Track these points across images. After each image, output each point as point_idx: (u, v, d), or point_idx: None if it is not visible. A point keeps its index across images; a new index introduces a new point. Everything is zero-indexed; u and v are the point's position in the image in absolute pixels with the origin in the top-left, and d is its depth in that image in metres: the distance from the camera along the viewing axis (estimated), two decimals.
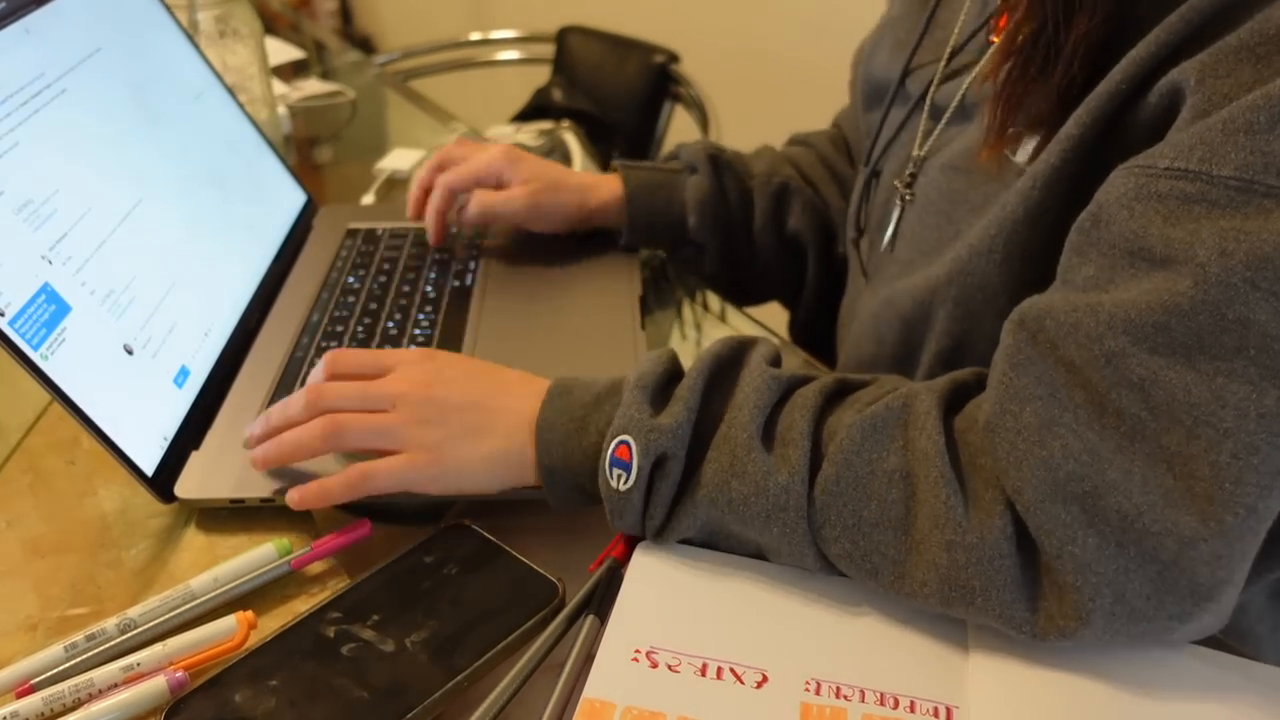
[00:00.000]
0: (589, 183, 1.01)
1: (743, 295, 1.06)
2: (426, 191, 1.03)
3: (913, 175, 0.81)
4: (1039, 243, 0.65)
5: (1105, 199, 0.58)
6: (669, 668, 0.59)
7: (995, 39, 0.71)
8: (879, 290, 0.84)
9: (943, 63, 0.81)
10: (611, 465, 0.65)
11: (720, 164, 1.02)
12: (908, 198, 0.82)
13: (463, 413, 0.70)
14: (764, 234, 1.02)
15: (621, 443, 0.64)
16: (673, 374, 0.68)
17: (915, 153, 0.81)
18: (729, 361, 0.68)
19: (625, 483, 0.64)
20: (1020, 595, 0.57)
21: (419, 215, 1.04)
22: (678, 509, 0.65)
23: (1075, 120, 0.63)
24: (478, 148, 1.02)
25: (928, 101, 0.81)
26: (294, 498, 0.71)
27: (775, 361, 0.68)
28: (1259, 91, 0.53)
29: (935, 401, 0.62)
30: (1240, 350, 0.52)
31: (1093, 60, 0.63)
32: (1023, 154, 0.69)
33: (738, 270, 1.04)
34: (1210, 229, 0.53)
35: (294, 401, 0.73)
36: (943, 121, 0.79)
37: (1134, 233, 0.56)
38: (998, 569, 0.57)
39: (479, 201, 0.99)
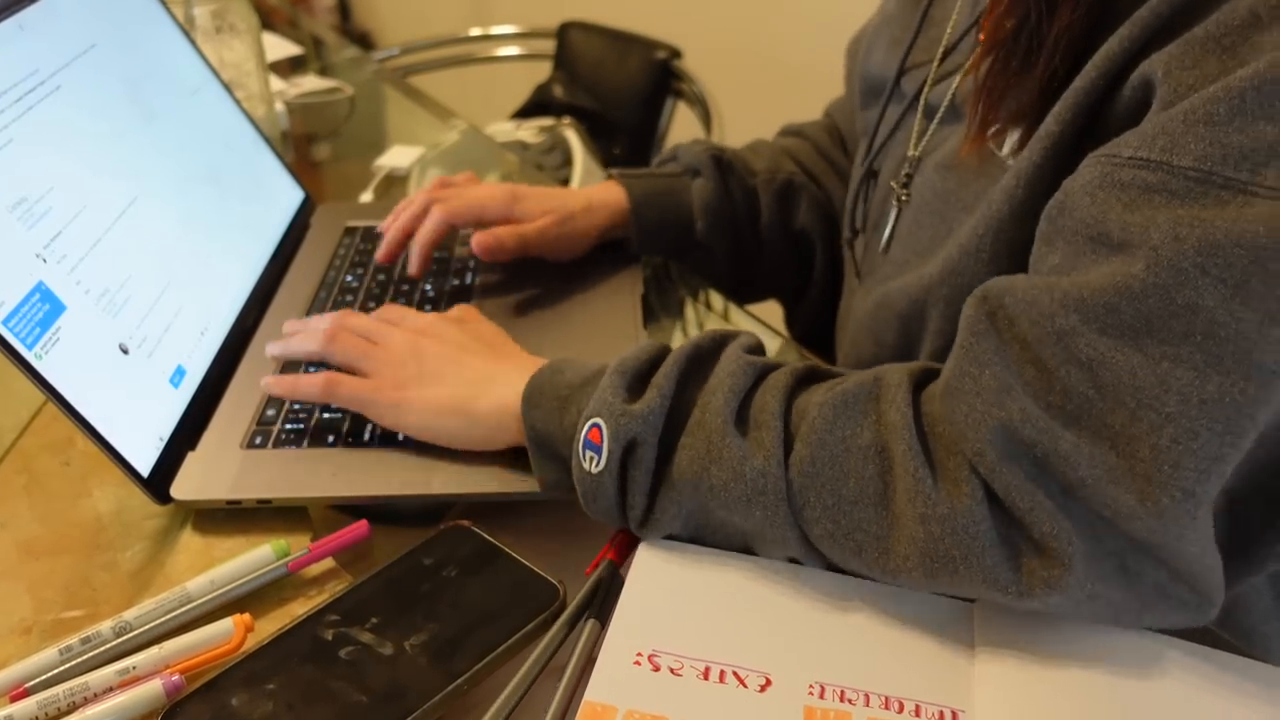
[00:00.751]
0: (593, 203, 0.99)
1: (749, 293, 1.06)
2: (407, 234, 0.97)
3: (909, 176, 0.82)
4: (1024, 239, 0.66)
5: (1071, 187, 0.60)
6: (671, 671, 0.59)
7: (983, 36, 0.72)
8: (873, 290, 0.85)
9: (935, 62, 0.81)
10: (584, 447, 0.66)
11: (723, 165, 1.02)
12: (904, 198, 0.83)
13: (440, 360, 0.77)
14: (771, 232, 1.02)
15: (594, 425, 0.65)
16: (657, 362, 0.68)
17: (910, 153, 0.82)
18: (708, 351, 0.68)
19: (596, 465, 0.65)
20: (1001, 557, 0.57)
21: (388, 260, 0.97)
22: (658, 497, 0.65)
23: (1054, 117, 0.64)
24: (469, 189, 0.99)
25: (921, 101, 0.82)
26: (267, 381, 0.80)
27: (754, 350, 0.69)
28: (1220, 83, 0.54)
29: (905, 376, 0.63)
30: (1187, 336, 0.53)
31: (1074, 54, 0.64)
32: (1008, 148, 0.70)
33: (745, 269, 1.04)
34: (1166, 216, 0.54)
35: (325, 316, 0.83)
36: (935, 121, 0.80)
37: (1094, 218, 0.57)
38: (974, 535, 0.57)
39: (510, 233, 0.94)
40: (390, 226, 0.98)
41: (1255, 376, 0.53)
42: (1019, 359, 0.57)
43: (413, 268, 0.95)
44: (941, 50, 0.81)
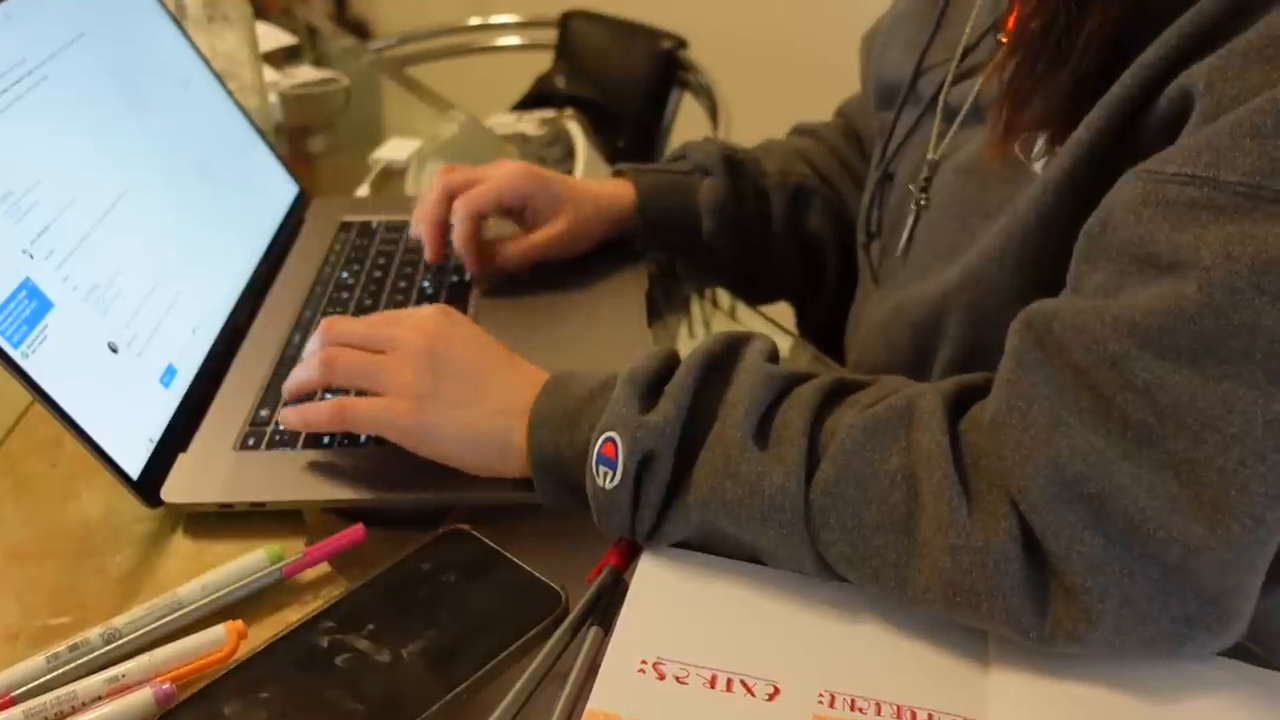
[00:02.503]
0: (603, 200, 0.99)
1: (755, 294, 1.06)
2: (441, 225, 0.96)
3: (927, 180, 0.82)
4: (1052, 249, 0.66)
5: (1113, 205, 0.60)
6: (677, 679, 0.59)
7: (1004, 39, 0.72)
8: (891, 295, 0.85)
9: (954, 62, 0.81)
10: (598, 462, 0.65)
11: (735, 164, 1.01)
12: (922, 202, 0.82)
13: (457, 376, 0.72)
14: (780, 235, 1.02)
15: (608, 439, 0.65)
16: (668, 370, 0.68)
17: (930, 156, 0.82)
18: (723, 357, 0.68)
19: (611, 480, 0.65)
20: (1027, 599, 0.57)
21: (439, 257, 0.97)
22: (669, 511, 0.65)
23: (1086, 125, 0.64)
24: (480, 169, 0.98)
25: (940, 103, 0.82)
26: (280, 415, 0.77)
27: (772, 358, 0.69)
28: (1266, 95, 0.54)
29: (940, 401, 0.62)
30: (1247, 355, 0.53)
31: (1104, 57, 0.64)
32: (1035, 154, 0.69)
33: (752, 271, 1.04)
34: (1216, 234, 0.54)
35: (313, 336, 0.78)
36: (956, 123, 0.79)
37: (1141, 238, 0.57)
38: (1004, 573, 0.57)
39: (520, 250, 0.96)
40: (422, 231, 0.97)
41: None
42: (1073, 386, 0.57)
43: (472, 267, 0.96)
44: (961, 50, 0.80)
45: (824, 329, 1.08)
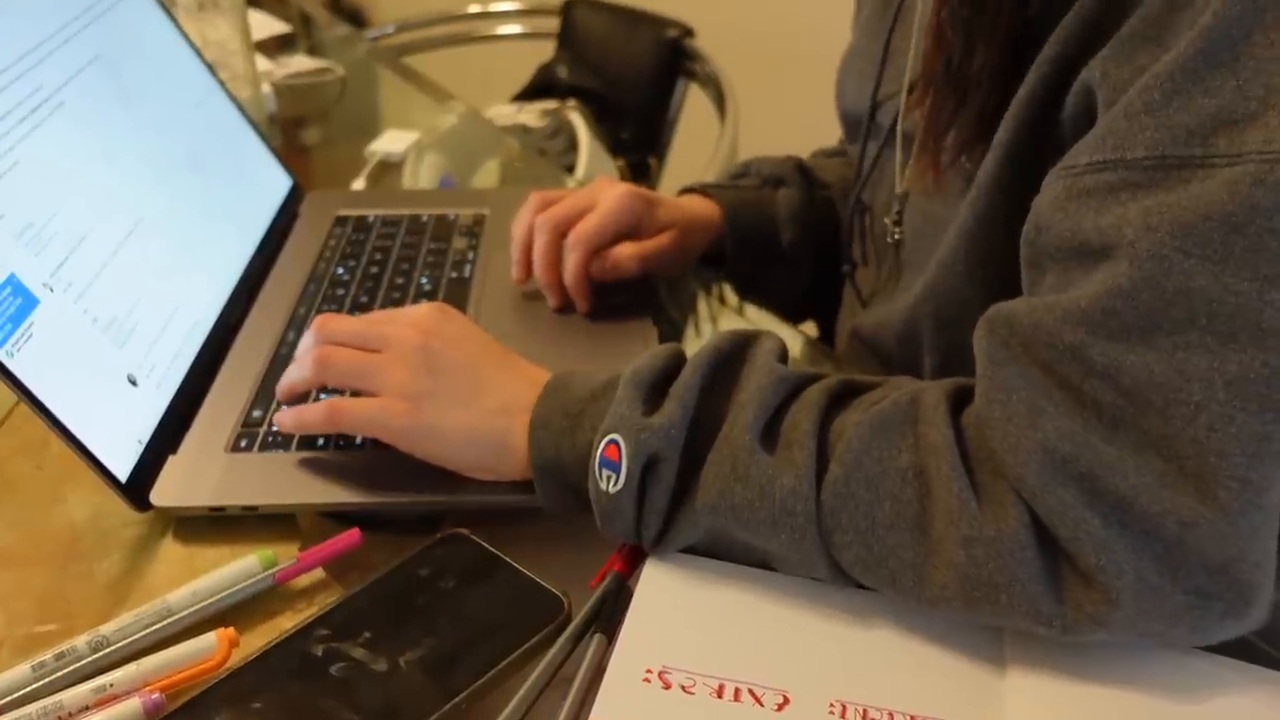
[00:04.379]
0: (697, 217, 0.99)
1: (826, 308, 1.08)
2: (552, 257, 0.92)
3: (899, 213, 0.87)
4: (997, 250, 0.69)
5: (1041, 206, 0.63)
6: (683, 689, 0.59)
7: (920, 77, 0.78)
8: (875, 311, 0.90)
9: (904, 94, 0.85)
10: (601, 466, 0.65)
11: (808, 174, 1.05)
12: (898, 236, 0.87)
13: (455, 374, 0.73)
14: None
15: (611, 442, 0.65)
16: (673, 370, 0.68)
17: (897, 190, 0.86)
18: (730, 357, 0.68)
19: (614, 484, 0.65)
20: (1045, 586, 0.58)
21: (525, 278, 0.94)
22: (677, 516, 0.65)
23: (1004, 127, 0.70)
24: (583, 194, 0.94)
25: (899, 134, 0.86)
26: (275, 417, 0.77)
27: (782, 357, 0.69)
28: (1150, 71, 0.58)
29: (943, 395, 0.63)
30: (1191, 321, 0.55)
31: (1004, 84, 0.70)
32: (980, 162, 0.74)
33: (827, 282, 1.05)
34: (1135, 209, 0.57)
35: (306, 334, 0.78)
36: (914, 153, 0.82)
37: (1071, 232, 0.60)
38: (1019, 561, 0.57)
39: (637, 254, 0.92)
40: (540, 279, 0.93)
41: (1274, 345, 0.54)
42: (1044, 381, 0.59)
43: (582, 307, 0.92)
44: (907, 82, 0.84)
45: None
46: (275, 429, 0.78)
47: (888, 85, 0.88)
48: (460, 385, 0.72)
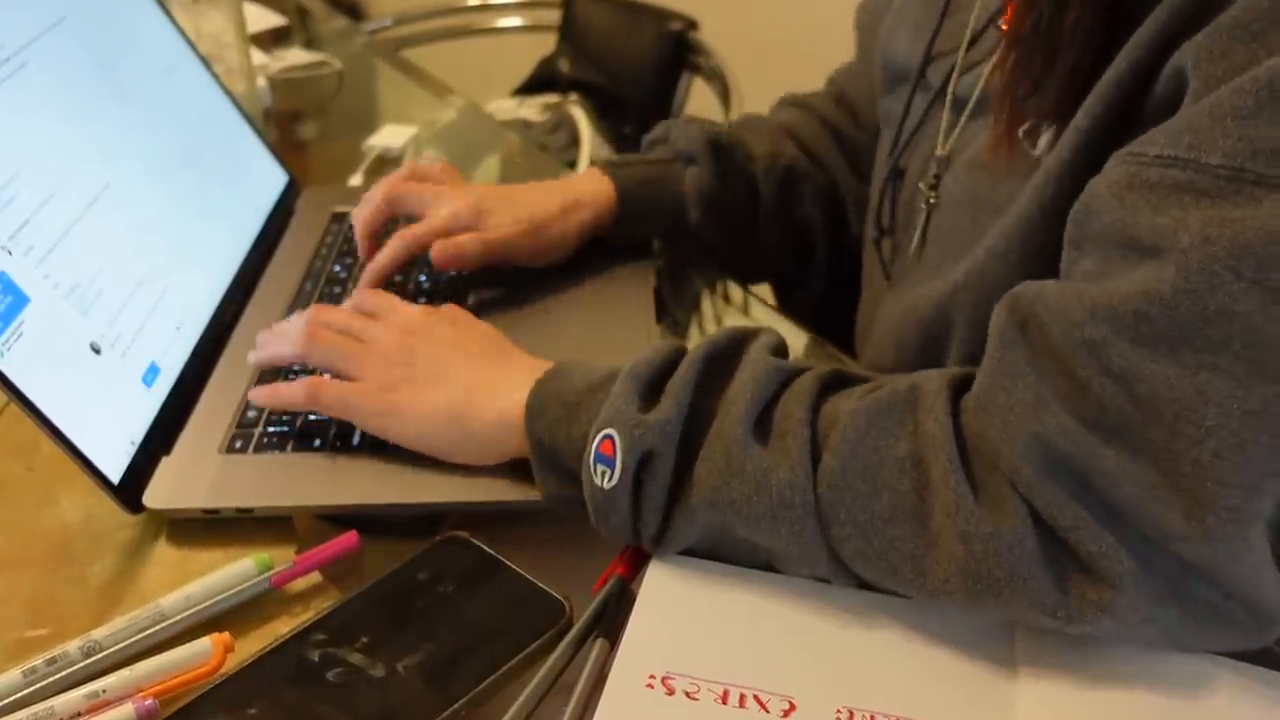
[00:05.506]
0: (570, 202, 0.96)
1: (740, 276, 1.06)
2: (374, 234, 0.95)
3: (937, 177, 0.83)
4: (1056, 242, 0.66)
5: (1097, 189, 0.61)
6: (687, 694, 0.59)
7: (1006, 27, 0.73)
8: (904, 294, 0.85)
9: (962, 51, 0.81)
10: (596, 460, 0.66)
11: (722, 151, 1.00)
12: (933, 200, 0.83)
13: (432, 360, 0.76)
14: (769, 222, 1.02)
15: (606, 437, 0.65)
16: (672, 365, 0.68)
17: (939, 152, 0.83)
18: (726, 352, 0.68)
19: (609, 480, 0.65)
20: (1048, 578, 0.58)
21: (370, 257, 0.94)
22: (674, 513, 0.65)
23: (1085, 111, 0.65)
24: (435, 188, 0.96)
25: (949, 94, 0.82)
26: (251, 392, 0.80)
27: (778, 352, 0.69)
28: (1248, 74, 0.55)
29: (945, 383, 0.63)
30: (1224, 344, 0.54)
31: (1097, 45, 0.65)
32: (1042, 148, 0.70)
33: (738, 255, 1.04)
34: (1196, 217, 0.55)
35: (298, 314, 0.82)
36: (964, 115, 0.80)
37: (1124, 222, 0.58)
38: (1019, 555, 0.58)
39: (458, 244, 0.92)
40: (357, 223, 0.96)
41: None
42: (1052, 371, 0.58)
43: (368, 285, 0.92)
44: (967, 38, 0.81)
45: (819, 320, 1.07)
46: (271, 431, 0.78)
47: (942, 41, 0.85)
48: (435, 370, 0.75)
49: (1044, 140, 0.70)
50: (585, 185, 0.98)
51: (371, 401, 0.75)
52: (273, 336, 0.82)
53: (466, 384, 0.74)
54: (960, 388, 0.63)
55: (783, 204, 1.03)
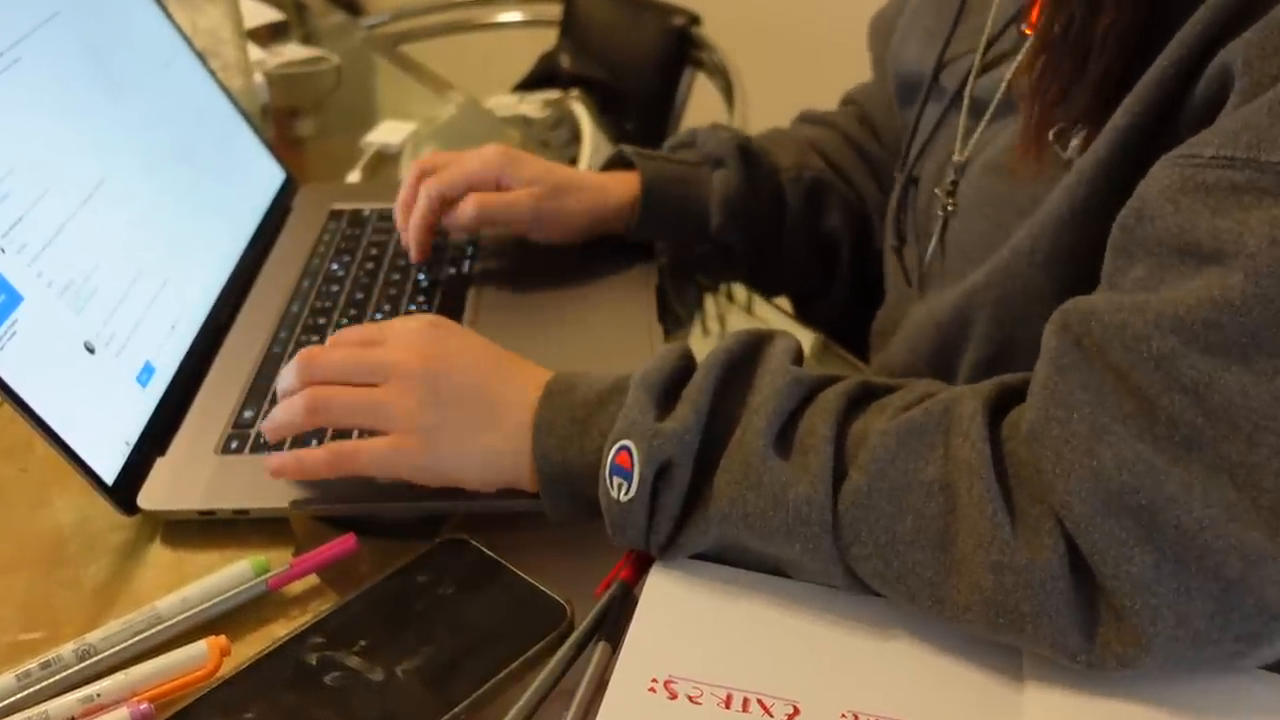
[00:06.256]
0: (599, 184, 0.97)
1: (760, 288, 1.06)
2: (409, 206, 0.96)
3: (954, 183, 0.82)
4: (1086, 242, 0.66)
5: (1148, 193, 0.59)
6: (690, 699, 0.59)
7: (1028, 30, 0.73)
8: (926, 300, 0.85)
9: (979, 54, 0.81)
10: (612, 473, 0.65)
11: (750, 156, 1.00)
12: (950, 207, 0.82)
13: (462, 399, 0.70)
14: (794, 232, 1.02)
15: (622, 448, 0.64)
16: (683, 372, 0.67)
17: (956, 158, 0.82)
18: (743, 358, 0.67)
19: (626, 493, 0.64)
20: (1075, 621, 0.57)
21: (426, 253, 0.96)
22: (687, 523, 0.65)
23: (1125, 109, 0.64)
24: (462, 154, 0.97)
25: (966, 98, 0.81)
26: (270, 464, 0.73)
27: (796, 359, 0.68)
28: None
29: (980, 406, 0.61)
30: None
31: (1131, 50, 0.64)
32: (1072, 151, 0.69)
33: (760, 267, 1.03)
34: (1261, 218, 0.53)
35: (288, 371, 0.74)
36: (985, 119, 0.79)
37: (1180, 228, 0.57)
38: (1050, 593, 0.56)
39: (477, 202, 0.93)
40: (402, 226, 0.96)
41: None
42: (1115, 390, 0.56)
43: (413, 255, 0.95)
44: (985, 39, 0.80)
45: (833, 325, 1.07)
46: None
47: (957, 45, 0.84)
48: (472, 410, 0.70)
49: (1075, 144, 0.69)
50: (610, 178, 0.98)
51: (418, 458, 0.70)
52: (278, 410, 0.74)
53: (491, 413, 0.71)
54: (997, 407, 0.62)
55: (809, 215, 1.02)
